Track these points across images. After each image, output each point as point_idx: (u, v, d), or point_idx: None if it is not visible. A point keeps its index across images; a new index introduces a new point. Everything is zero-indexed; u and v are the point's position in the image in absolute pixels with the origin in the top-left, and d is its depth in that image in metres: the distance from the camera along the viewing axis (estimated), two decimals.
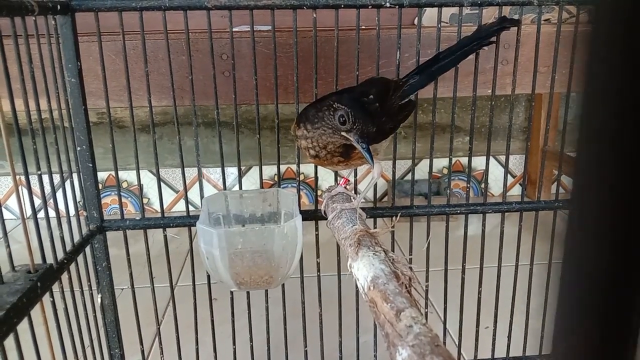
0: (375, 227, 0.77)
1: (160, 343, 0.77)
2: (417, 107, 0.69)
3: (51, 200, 0.61)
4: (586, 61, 0.15)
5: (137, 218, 0.73)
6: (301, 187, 1.76)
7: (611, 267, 0.15)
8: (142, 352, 0.78)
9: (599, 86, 0.15)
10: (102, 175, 1.69)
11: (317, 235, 0.76)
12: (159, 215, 0.74)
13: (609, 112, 0.15)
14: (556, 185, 0.80)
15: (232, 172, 1.69)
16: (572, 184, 0.16)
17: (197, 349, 0.79)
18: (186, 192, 0.74)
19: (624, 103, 0.14)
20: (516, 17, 0.70)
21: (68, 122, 0.66)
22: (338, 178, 0.77)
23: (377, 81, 0.65)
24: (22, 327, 0.48)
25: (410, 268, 0.47)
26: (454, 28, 0.76)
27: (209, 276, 0.72)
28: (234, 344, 0.78)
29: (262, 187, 0.73)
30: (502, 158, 1.76)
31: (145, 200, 1.74)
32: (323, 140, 0.59)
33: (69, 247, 0.62)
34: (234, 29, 0.69)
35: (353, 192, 0.71)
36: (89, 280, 0.68)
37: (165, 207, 1.56)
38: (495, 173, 1.78)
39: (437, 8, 0.70)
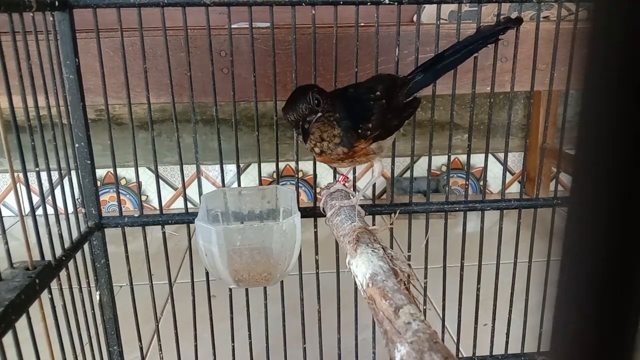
0: (374, 224, 0.77)
1: (159, 340, 0.78)
2: None
3: (49, 198, 0.60)
4: (585, 58, 0.15)
5: (136, 215, 0.73)
6: (300, 184, 1.76)
7: (610, 265, 0.15)
8: (141, 349, 0.78)
9: (598, 83, 0.15)
10: (100, 173, 1.69)
11: (315, 233, 0.76)
12: (158, 212, 0.74)
13: (608, 109, 0.15)
14: (555, 182, 0.80)
15: (230, 169, 1.69)
16: (571, 181, 0.16)
17: (195, 346, 0.79)
18: (185, 189, 0.74)
19: (623, 100, 0.14)
20: (515, 14, 0.70)
21: (66, 119, 0.66)
22: (337, 175, 0.77)
23: (384, 78, 0.65)
24: (21, 324, 0.48)
25: (409, 265, 0.47)
26: (452, 25, 0.76)
27: (207, 273, 0.72)
28: (233, 341, 0.78)
29: (260, 184, 0.73)
30: (501, 155, 1.76)
31: (143, 198, 1.73)
32: (323, 131, 0.60)
33: (67, 244, 0.62)
34: (232, 26, 0.69)
35: (352, 189, 0.71)
36: (87, 277, 0.68)
37: (163, 204, 1.56)
38: (494, 170, 1.79)
39: (436, 5, 0.70)
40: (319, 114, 0.57)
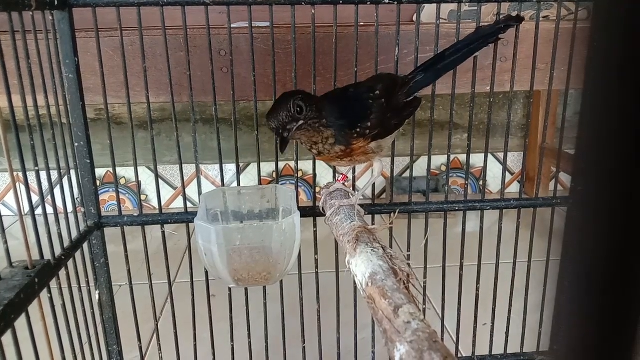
0: (373, 224, 0.77)
1: (159, 340, 0.77)
2: None
3: (49, 197, 0.60)
4: (586, 57, 0.15)
5: (135, 215, 0.73)
6: (299, 183, 1.76)
7: (610, 264, 0.15)
8: (140, 348, 0.78)
9: (598, 83, 0.15)
10: (100, 172, 1.69)
11: (315, 232, 0.76)
12: (157, 211, 0.74)
13: (608, 109, 0.14)
14: (554, 182, 0.80)
15: (230, 168, 1.69)
16: (571, 181, 0.16)
17: (195, 346, 0.79)
18: (184, 189, 0.74)
19: (623, 100, 0.14)
20: (515, 13, 0.70)
21: (66, 118, 0.65)
22: (336, 175, 0.77)
23: (384, 77, 0.66)
24: (20, 323, 0.48)
25: (409, 264, 0.47)
26: (452, 25, 0.76)
27: (207, 273, 0.72)
28: (232, 340, 0.78)
29: (260, 183, 0.73)
30: (501, 155, 1.76)
31: (143, 197, 1.73)
32: (310, 137, 0.60)
33: (66, 244, 0.61)
34: (232, 25, 0.69)
35: (351, 188, 0.71)
36: (86, 276, 0.68)
37: (163, 203, 1.56)
38: (494, 170, 1.79)
39: (435, 5, 0.70)
40: (301, 122, 0.57)
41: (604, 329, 0.15)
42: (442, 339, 0.85)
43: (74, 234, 0.65)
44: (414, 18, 1.55)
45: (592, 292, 0.15)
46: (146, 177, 1.72)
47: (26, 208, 0.54)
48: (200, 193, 0.70)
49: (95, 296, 0.73)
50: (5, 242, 0.51)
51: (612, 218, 0.15)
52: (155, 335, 0.78)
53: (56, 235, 0.59)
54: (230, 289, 0.75)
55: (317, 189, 0.73)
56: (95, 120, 1.63)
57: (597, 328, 0.15)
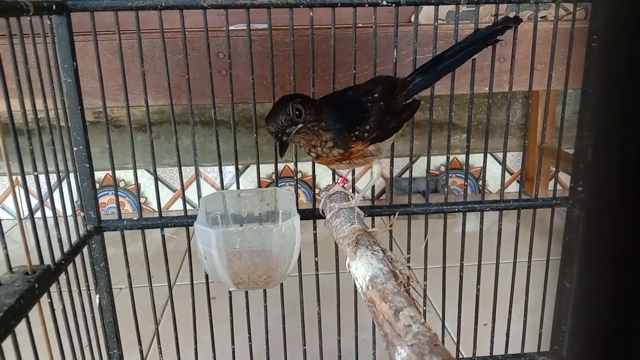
0: (373, 226, 0.77)
1: (159, 343, 0.77)
2: None
3: (48, 201, 0.60)
4: (586, 57, 0.15)
5: (135, 218, 0.73)
6: (299, 185, 1.76)
7: (628, 270, 0.15)
8: (141, 352, 0.77)
9: (600, 81, 0.15)
10: (99, 175, 1.69)
11: (315, 234, 0.76)
12: (157, 214, 0.73)
13: (610, 107, 0.14)
14: (554, 182, 0.80)
15: (229, 171, 1.69)
16: (570, 181, 0.15)
17: (195, 349, 0.79)
18: (183, 192, 0.74)
19: (626, 98, 0.14)
20: (513, 14, 0.70)
21: (64, 121, 0.65)
22: (336, 177, 0.77)
23: (383, 80, 0.65)
24: (20, 328, 0.48)
25: (409, 267, 0.47)
26: (450, 26, 0.76)
27: (207, 275, 0.72)
28: (233, 343, 0.78)
29: (259, 186, 0.73)
30: (500, 155, 1.76)
31: (142, 200, 1.73)
32: (309, 140, 0.60)
33: (66, 248, 0.61)
34: (230, 28, 0.69)
35: (351, 190, 0.71)
36: (87, 280, 0.68)
37: (162, 206, 1.56)
38: (493, 170, 1.79)
39: (433, 6, 0.70)
40: (300, 125, 0.57)
41: (612, 335, 0.15)
42: (443, 340, 0.86)
43: (74, 238, 0.65)
44: (412, 19, 1.55)
45: (600, 297, 0.15)
46: (145, 180, 1.71)
47: (25, 212, 0.54)
48: (199, 195, 0.70)
49: (96, 300, 0.73)
50: (5, 247, 0.50)
51: (618, 219, 0.15)
52: (155, 338, 0.78)
53: (56, 240, 0.59)
54: (230, 292, 0.75)
55: (317, 191, 0.73)
56: (94, 123, 1.63)
57: (606, 334, 0.15)
